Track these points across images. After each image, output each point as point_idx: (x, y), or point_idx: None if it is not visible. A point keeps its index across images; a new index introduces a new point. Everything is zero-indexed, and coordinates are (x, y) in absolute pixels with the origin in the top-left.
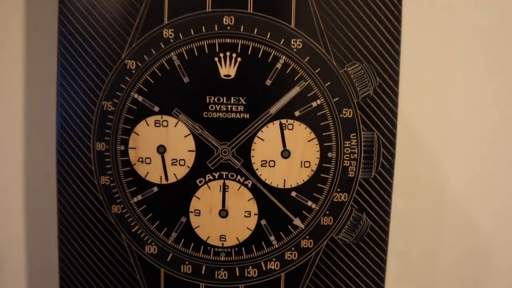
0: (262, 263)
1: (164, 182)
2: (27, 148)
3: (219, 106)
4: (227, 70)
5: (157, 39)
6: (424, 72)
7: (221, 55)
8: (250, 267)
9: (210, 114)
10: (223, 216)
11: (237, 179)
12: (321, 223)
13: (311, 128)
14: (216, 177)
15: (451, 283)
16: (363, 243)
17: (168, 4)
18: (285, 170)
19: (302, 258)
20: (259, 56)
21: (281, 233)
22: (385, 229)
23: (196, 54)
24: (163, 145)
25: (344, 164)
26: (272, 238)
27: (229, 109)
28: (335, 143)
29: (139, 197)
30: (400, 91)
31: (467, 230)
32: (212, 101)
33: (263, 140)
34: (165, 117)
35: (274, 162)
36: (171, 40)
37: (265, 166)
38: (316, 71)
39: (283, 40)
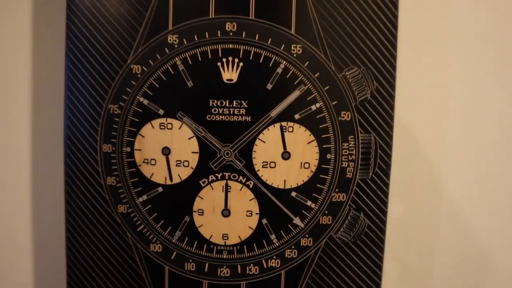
0: (263, 261)
1: (168, 182)
2: (36, 149)
3: (222, 109)
4: (230, 74)
5: (162, 45)
6: (420, 77)
7: (224, 60)
8: (252, 264)
9: (213, 117)
10: (226, 216)
11: (239, 180)
12: (320, 222)
13: (311, 131)
14: (219, 177)
15: (447, 280)
16: (360, 241)
17: (172, 10)
18: (285, 171)
19: (302, 256)
20: (261, 61)
21: (281, 232)
22: (382, 228)
23: (200, 59)
24: (167, 147)
25: (342, 165)
26: (272, 236)
27: (231, 112)
28: (333, 145)
29: (145, 197)
30: (396, 94)
31: (463, 229)
32: (215, 105)
33: (264, 142)
34: (169, 120)
35: (275, 163)
36: (176, 46)
37: (266, 167)
38: (316, 75)
39: (283, 45)
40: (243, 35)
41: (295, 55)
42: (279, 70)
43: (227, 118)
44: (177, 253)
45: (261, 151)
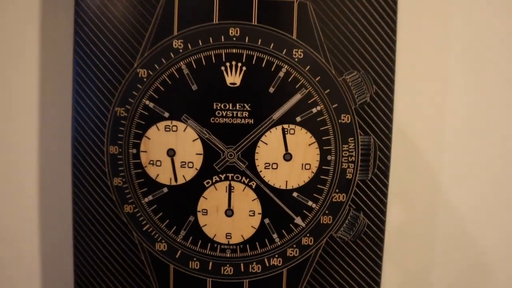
0: (266, 259)
1: (173, 183)
2: (44, 151)
3: (225, 112)
4: (233, 78)
5: (167, 49)
6: (418, 80)
7: (227, 64)
8: (254, 263)
9: (217, 120)
10: (229, 215)
11: (242, 181)
12: (321, 222)
13: (312, 133)
14: (223, 178)
15: (447, 274)
16: (360, 240)
17: (177, 16)
18: (287, 172)
19: (303, 255)
20: (263, 65)
21: (283, 231)
22: (381, 228)
23: (204, 63)
24: (172, 148)
25: (342, 167)
26: (275, 236)
27: (234, 115)
28: (334, 147)
29: (150, 198)
30: (395, 98)
31: (460, 227)
32: (218, 108)
33: (266, 144)
34: (174, 122)
35: (277, 164)
36: (180, 50)
37: (268, 168)
38: (316, 79)
39: (285, 50)
40: (246, 40)
41: (296, 59)
42: (281, 74)
43: (230, 120)
44: (181, 252)
45: (264, 152)
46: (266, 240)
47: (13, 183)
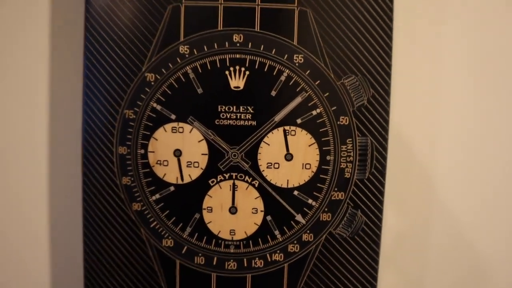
0: (268, 255)
1: (180, 182)
2: (56, 151)
3: (230, 114)
4: (237, 82)
5: (174, 55)
6: (413, 84)
7: (231, 68)
8: (257, 258)
9: (221, 122)
10: (233, 213)
11: (245, 180)
12: (321, 219)
13: (312, 134)
14: (227, 177)
15: (441, 270)
16: (358, 237)
17: (184, 23)
18: (288, 172)
19: (304, 251)
20: (265, 69)
21: (284, 228)
22: (378, 225)
23: (209, 68)
24: (179, 149)
25: (341, 166)
26: (276, 232)
27: (238, 117)
28: (333, 147)
29: (157, 196)
30: (391, 100)
31: (454, 224)
32: (223, 110)
33: (268, 144)
34: (181, 124)
35: (279, 164)
36: (187, 56)
37: (271, 168)
38: (316, 83)
39: (286, 55)
40: (249, 46)
41: (297, 64)
42: (283, 78)
43: (234, 122)
44: (187, 247)
45: (266, 153)
46: (268, 236)
47: (26, 182)
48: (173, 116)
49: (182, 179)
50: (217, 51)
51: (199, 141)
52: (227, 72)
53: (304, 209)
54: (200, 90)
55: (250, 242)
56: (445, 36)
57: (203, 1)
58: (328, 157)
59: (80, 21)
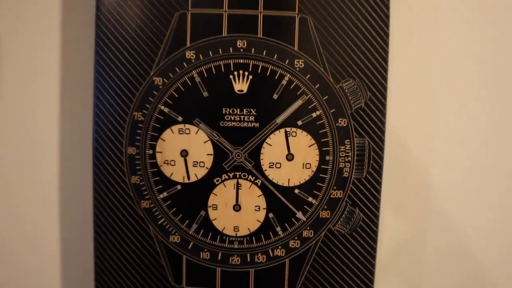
0: (270, 250)
1: (186, 181)
2: (67, 152)
3: (234, 116)
4: (240, 86)
5: (181, 60)
6: (409, 87)
7: (235, 73)
8: (260, 253)
9: (225, 123)
10: (237, 210)
11: (248, 179)
12: (320, 216)
13: (312, 135)
14: (231, 176)
15: (437, 270)
16: (356, 233)
17: (190, 29)
18: (289, 171)
19: (304, 246)
20: (268, 74)
21: (286, 224)
22: (375, 222)
23: (214, 72)
24: (185, 149)
25: (339, 166)
26: (278, 229)
27: (242, 119)
28: (332, 148)
29: (165, 194)
30: (387, 103)
31: (449, 221)
32: (227, 112)
33: (270, 145)
34: (187, 126)
35: (280, 164)
36: (193, 60)
37: (272, 167)
38: (316, 86)
39: (287, 60)
40: (252, 51)
41: (298, 69)
42: (284, 82)
43: (238, 124)
44: (193, 243)
45: (268, 153)
46: (270, 232)
47: (39, 181)
48: (180, 118)
49: (188, 178)
50: (221, 56)
51: (205, 142)
52: (231, 76)
53: (305, 206)
54: (205, 94)
55: (253, 238)
56: (439, 42)
57: (208, 8)
58: (327, 157)
59: (91, 28)
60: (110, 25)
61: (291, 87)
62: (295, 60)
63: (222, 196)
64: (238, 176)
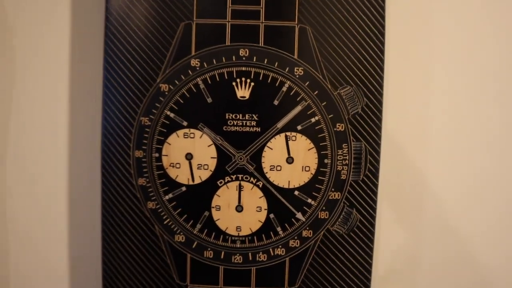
0: (271, 249)
1: (191, 183)
2: (76, 155)
3: (236, 121)
4: (243, 92)
5: (186, 67)
6: (404, 93)
7: (238, 80)
8: (261, 252)
9: (228, 128)
10: (239, 211)
11: (250, 181)
12: (319, 217)
13: (311, 139)
14: (234, 179)
15: (433, 268)
16: (353, 233)
17: (195, 38)
18: (289, 173)
19: (303, 246)
20: (269, 81)
21: (286, 225)
22: (372, 222)
23: (218, 79)
24: (190, 153)
25: (337, 169)
26: (278, 229)
27: (244, 124)
28: (330, 152)
29: (170, 195)
30: (383, 109)
31: (444, 221)
32: (230, 118)
33: (271, 149)
34: (192, 130)
35: (281, 166)
36: (197, 68)
37: (273, 170)
38: (315, 93)
39: (288, 68)
40: (254, 60)
41: (297, 76)
42: (284, 88)
43: (240, 129)
44: (197, 242)
45: (269, 156)
46: (271, 232)
47: (49, 183)
48: (185, 123)
49: (193, 180)
50: (225, 64)
51: (209, 146)
52: (234, 83)
53: (304, 207)
54: (209, 100)
55: (255, 237)
56: (434, 50)
57: (212, 19)
58: (325, 160)
59: (100, 36)
60: (119, 34)
61: (291, 94)
62: (295, 68)
63: (225, 197)
64: (240, 178)
